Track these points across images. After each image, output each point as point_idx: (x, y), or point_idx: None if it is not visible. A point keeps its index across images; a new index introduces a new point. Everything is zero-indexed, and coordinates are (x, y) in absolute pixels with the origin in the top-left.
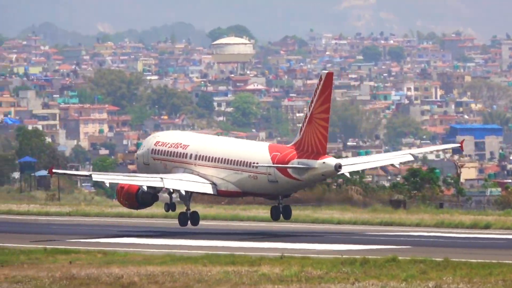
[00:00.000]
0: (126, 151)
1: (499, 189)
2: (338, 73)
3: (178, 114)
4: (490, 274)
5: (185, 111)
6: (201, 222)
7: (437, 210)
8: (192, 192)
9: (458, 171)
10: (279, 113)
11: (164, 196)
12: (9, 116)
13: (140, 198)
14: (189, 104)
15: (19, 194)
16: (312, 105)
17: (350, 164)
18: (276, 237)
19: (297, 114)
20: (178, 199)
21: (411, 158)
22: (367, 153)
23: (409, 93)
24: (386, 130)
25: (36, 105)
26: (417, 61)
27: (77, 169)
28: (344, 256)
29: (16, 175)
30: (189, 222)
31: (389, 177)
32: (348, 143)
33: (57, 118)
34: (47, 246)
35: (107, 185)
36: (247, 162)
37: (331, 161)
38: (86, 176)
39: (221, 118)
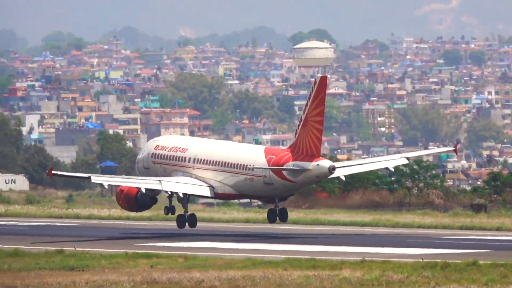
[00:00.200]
0: None
1: None
2: (419, 77)
3: (259, 118)
4: None
5: (266, 115)
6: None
7: None
8: (189, 195)
9: None
10: (360, 117)
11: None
12: (90, 120)
13: (139, 201)
14: (270, 108)
15: (100, 198)
16: (307, 108)
17: (344, 167)
18: (357, 241)
19: (378, 118)
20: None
21: (405, 162)
22: (448, 158)
23: (490, 96)
24: (466, 134)
25: (117, 110)
26: (498, 65)
27: None
28: (424, 260)
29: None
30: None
31: (470, 181)
32: (429, 147)
33: (138, 122)
34: (128, 251)
35: (106, 187)
36: (243, 165)
37: (325, 163)
38: (85, 178)
39: None
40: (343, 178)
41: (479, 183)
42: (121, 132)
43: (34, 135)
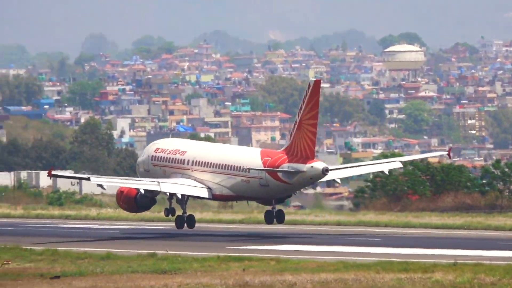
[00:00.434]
0: None
1: None
2: (509, 80)
3: (349, 121)
4: None
5: (357, 119)
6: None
7: None
8: (188, 196)
9: None
10: (450, 120)
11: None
12: (181, 124)
13: (138, 202)
14: (360, 111)
15: (192, 201)
16: (301, 111)
17: (339, 169)
18: (449, 243)
19: (469, 121)
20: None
21: (400, 165)
22: None
23: None
24: None
25: (208, 113)
26: None
27: None
28: None
29: None
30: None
31: None
32: None
33: (229, 125)
34: (220, 254)
35: (105, 188)
36: (239, 167)
37: (318, 165)
38: (85, 179)
39: (392, 125)
40: (339, 181)
41: None
42: (212, 135)
43: (125, 139)
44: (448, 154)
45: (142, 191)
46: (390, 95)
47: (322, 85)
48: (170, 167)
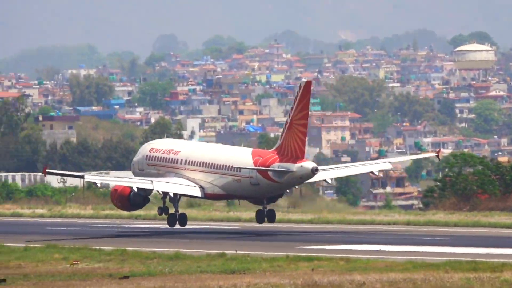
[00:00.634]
0: (369, 158)
1: None
2: None
3: (419, 121)
4: None
5: (427, 118)
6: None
7: None
8: (180, 195)
9: None
10: None
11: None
12: (251, 123)
13: (131, 200)
14: (431, 111)
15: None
16: (292, 112)
17: (328, 169)
18: None
19: None
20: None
21: (390, 167)
22: None
23: None
24: None
25: (278, 113)
26: None
27: None
28: None
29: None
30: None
31: None
32: None
33: None
34: (289, 253)
35: (99, 185)
36: (231, 166)
37: (308, 164)
38: (79, 177)
39: (463, 125)
40: (329, 181)
41: None
42: None
43: (196, 139)
44: (437, 156)
45: (136, 190)
46: (460, 95)
47: (392, 84)
48: (164, 166)
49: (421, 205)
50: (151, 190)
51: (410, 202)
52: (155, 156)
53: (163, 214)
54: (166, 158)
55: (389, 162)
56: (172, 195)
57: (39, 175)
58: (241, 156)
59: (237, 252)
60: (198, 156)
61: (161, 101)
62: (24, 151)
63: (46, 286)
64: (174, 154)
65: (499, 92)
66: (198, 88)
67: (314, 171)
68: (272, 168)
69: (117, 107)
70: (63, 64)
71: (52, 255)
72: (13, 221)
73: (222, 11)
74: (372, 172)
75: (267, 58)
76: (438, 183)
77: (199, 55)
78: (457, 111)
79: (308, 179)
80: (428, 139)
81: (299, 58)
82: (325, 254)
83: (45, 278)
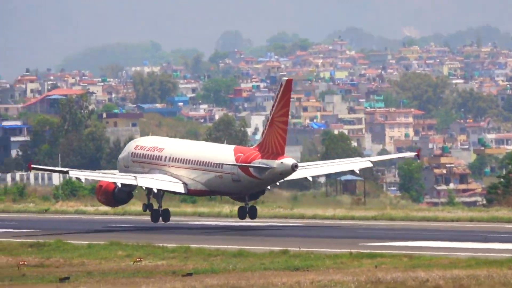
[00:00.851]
0: (432, 155)
1: None
2: None
3: (483, 117)
4: None
5: (491, 115)
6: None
7: None
8: (164, 191)
9: None
10: None
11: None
12: (315, 120)
13: (116, 196)
14: (494, 107)
15: (324, 198)
16: (273, 109)
17: (309, 167)
18: None
19: None
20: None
21: (370, 165)
22: None
23: None
24: None
25: (342, 110)
26: None
27: (382, 173)
28: None
29: (322, 179)
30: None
31: None
32: None
33: (363, 122)
34: (353, 250)
35: (83, 181)
36: (213, 163)
37: (288, 161)
38: (64, 172)
39: None
40: (310, 179)
41: None
42: (345, 132)
43: (259, 136)
44: (417, 155)
45: (120, 185)
46: None
47: (456, 81)
48: (149, 163)
49: (484, 202)
50: (135, 186)
51: (473, 198)
52: (140, 153)
53: (148, 211)
54: (151, 155)
55: (370, 160)
56: (155, 191)
57: None
58: (224, 153)
59: (301, 249)
60: (181, 153)
61: (225, 98)
62: (87, 148)
63: (110, 284)
64: (159, 151)
65: None
66: (262, 85)
67: (294, 167)
68: (253, 164)
69: (181, 104)
70: (126, 61)
71: (115, 252)
72: (77, 218)
73: (286, 8)
74: (352, 171)
75: (330, 55)
76: (502, 180)
77: (263, 52)
78: None
79: (288, 175)
80: (492, 136)
81: (363, 55)
82: (389, 251)
83: (108, 275)
